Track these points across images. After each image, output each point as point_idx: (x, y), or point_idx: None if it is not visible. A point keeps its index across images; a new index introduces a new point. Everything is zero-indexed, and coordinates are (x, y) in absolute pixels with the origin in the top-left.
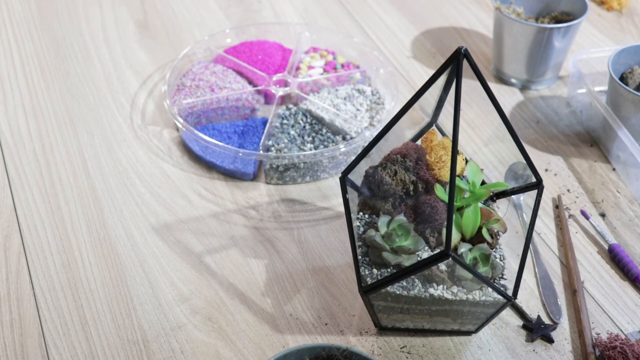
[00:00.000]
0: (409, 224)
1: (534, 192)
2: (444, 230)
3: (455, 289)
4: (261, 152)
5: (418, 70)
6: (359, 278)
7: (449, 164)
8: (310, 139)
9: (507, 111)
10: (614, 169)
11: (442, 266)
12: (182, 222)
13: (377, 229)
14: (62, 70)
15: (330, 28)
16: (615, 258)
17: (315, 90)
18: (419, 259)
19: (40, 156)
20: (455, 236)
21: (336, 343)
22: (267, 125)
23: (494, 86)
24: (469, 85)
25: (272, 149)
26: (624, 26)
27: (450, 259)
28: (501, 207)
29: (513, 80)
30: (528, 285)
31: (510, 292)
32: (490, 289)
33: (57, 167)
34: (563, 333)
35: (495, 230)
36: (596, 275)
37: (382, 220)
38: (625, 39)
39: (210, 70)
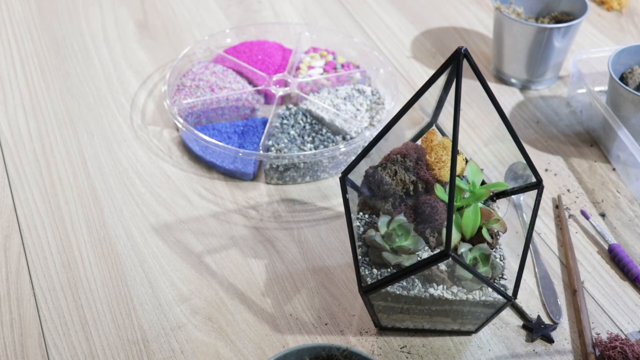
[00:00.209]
0: (409, 224)
1: (534, 192)
2: (444, 230)
3: (455, 289)
4: (261, 152)
5: (418, 70)
6: (359, 278)
7: (449, 164)
8: (310, 139)
9: (507, 111)
10: (614, 169)
11: (442, 266)
12: (182, 222)
13: (377, 229)
14: (62, 70)
15: (330, 28)
16: (615, 258)
17: (315, 90)
18: (419, 259)
19: (40, 156)
20: (455, 236)
21: (336, 343)
22: (267, 125)
23: (494, 86)
24: (469, 85)
25: (272, 149)
26: (624, 26)
27: (450, 259)
28: (501, 207)
29: (513, 80)
30: (528, 285)
31: (510, 292)
32: (490, 289)
33: (57, 167)
34: (563, 333)
35: (495, 230)
36: (596, 275)
37: (382, 220)
38: (625, 39)
39: (210, 70)
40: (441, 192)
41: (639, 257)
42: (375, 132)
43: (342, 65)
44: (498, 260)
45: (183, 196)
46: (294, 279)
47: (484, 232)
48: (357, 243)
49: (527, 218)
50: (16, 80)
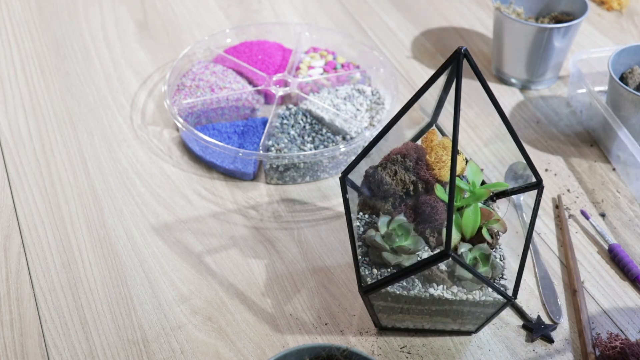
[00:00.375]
0: (409, 224)
1: (534, 192)
2: (444, 230)
3: (455, 289)
4: (261, 152)
5: (418, 70)
6: (359, 278)
7: (449, 164)
8: (310, 139)
9: (507, 111)
10: (614, 169)
11: (442, 266)
12: (182, 222)
13: (377, 229)
14: (62, 70)
15: (330, 28)
16: (615, 258)
17: (315, 90)
18: (419, 259)
19: (40, 156)
20: (455, 236)
21: (336, 343)
22: (267, 125)
23: (494, 86)
24: (469, 85)
25: (272, 149)
26: (624, 26)
27: (450, 259)
28: (501, 207)
29: (513, 80)
30: (528, 285)
31: (510, 292)
32: (490, 289)
33: (57, 167)
34: (563, 333)
35: (495, 230)
36: (596, 275)
37: (382, 220)
38: (625, 39)
39: (210, 70)
40: (441, 192)
41: (639, 257)
42: (375, 132)
43: (342, 65)
44: (498, 260)
45: (183, 196)
46: (294, 279)
47: (484, 232)
48: (357, 243)
49: (527, 218)
50: (16, 80)
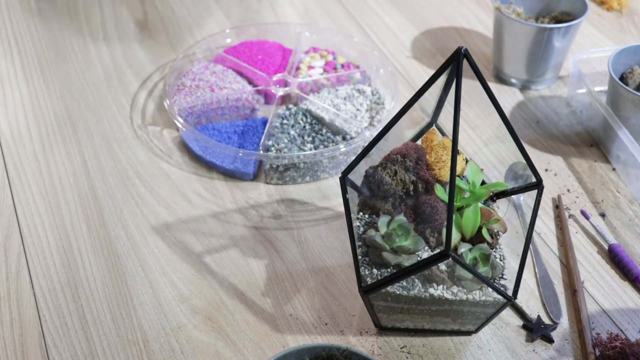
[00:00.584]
0: (409, 224)
1: (534, 192)
2: (444, 230)
3: (455, 289)
4: (261, 152)
5: (418, 70)
6: (359, 278)
7: (449, 164)
8: (310, 139)
9: (507, 111)
10: (614, 169)
11: (442, 266)
12: (182, 222)
13: (377, 229)
14: (62, 70)
15: (330, 28)
16: (615, 258)
17: (315, 90)
18: (419, 259)
19: (40, 156)
20: (455, 236)
21: (336, 343)
22: (267, 125)
23: (494, 86)
24: (469, 85)
25: (272, 149)
26: (624, 26)
27: (450, 259)
28: (501, 207)
29: (513, 80)
30: (528, 285)
31: (510, 292)
32: (490, 289)
33: (57, 167)
34: (563, 333)
35: (495, 230)
36: (596, 275)
37: (382, 220)
38: (625, 39)
39: (210, 70)
40: (441, 192)
41: (639, 257)
42: (375, 132)
43: (342, 65)
44: (498, 260)
45: (183, 196)
46: (294, 279)
47: (484, 232)
48: (357, 243)
49: (527, 218)
50: (16, 80)
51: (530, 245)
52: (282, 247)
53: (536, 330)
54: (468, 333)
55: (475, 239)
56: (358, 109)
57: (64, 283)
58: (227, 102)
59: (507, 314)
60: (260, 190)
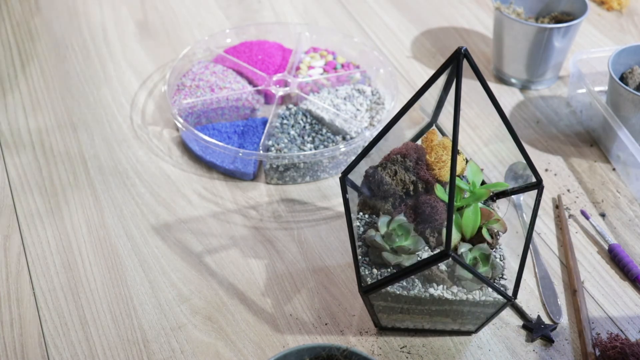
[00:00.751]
0: (409, 224)
1: (534, 192)
2: (444, 230)
3: (455, 289)
4: (261, 152)
5: (418, 70)
6: (359, 278)
7: (449, 164)
8: (310, 139)
9: (507, 111)
10: (614, 169)
11: (442, 266)
12: (182, 222)
13: (377, 229)
14: (62, 70)
15: (330, 28)
16: (615, 258)
17: (315, 90)
18: (419, 259)
19: (40, 156)
20: (455, 236)
21: (336, 343)
22: (267, 125)
23: (494, 86)
24: (469, 85)
25: (272, 149)
26: (624, 26)
27: (450, 259)
28: (501, 207)
29: (513, 80)
30: (528, 285)
31: (510, 292)
32: (490, 289)
33: (57, 167)
34: (563, 333)
35: (495, 230)
36: (596, 275)
37: (382, 220)
38: (625, 39)
39: (210, 70)
40: (441, 192)
41: (639, 257)
42: (375, 132)
43: (342, 65)
44: (498, 260)
45: (183, 196)
46: (294, 279)
47: (484, 232)
48: (357, 243)
49: (527, 218)
50: (16, 80)
51: (530, 245)
52: (282, 247)
53: (536, 330)
54: (468, 333)
55: (475, 239)
56: (358, 109)
57: (64, 283)
58: (227, 102)
59: (507, 314)
60: (260, 190)
